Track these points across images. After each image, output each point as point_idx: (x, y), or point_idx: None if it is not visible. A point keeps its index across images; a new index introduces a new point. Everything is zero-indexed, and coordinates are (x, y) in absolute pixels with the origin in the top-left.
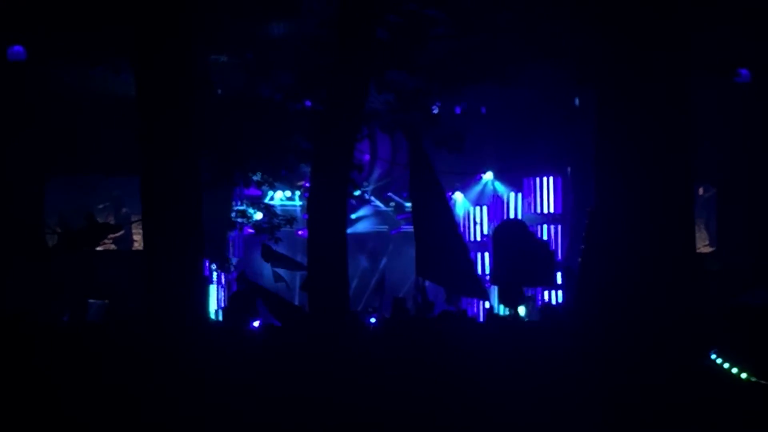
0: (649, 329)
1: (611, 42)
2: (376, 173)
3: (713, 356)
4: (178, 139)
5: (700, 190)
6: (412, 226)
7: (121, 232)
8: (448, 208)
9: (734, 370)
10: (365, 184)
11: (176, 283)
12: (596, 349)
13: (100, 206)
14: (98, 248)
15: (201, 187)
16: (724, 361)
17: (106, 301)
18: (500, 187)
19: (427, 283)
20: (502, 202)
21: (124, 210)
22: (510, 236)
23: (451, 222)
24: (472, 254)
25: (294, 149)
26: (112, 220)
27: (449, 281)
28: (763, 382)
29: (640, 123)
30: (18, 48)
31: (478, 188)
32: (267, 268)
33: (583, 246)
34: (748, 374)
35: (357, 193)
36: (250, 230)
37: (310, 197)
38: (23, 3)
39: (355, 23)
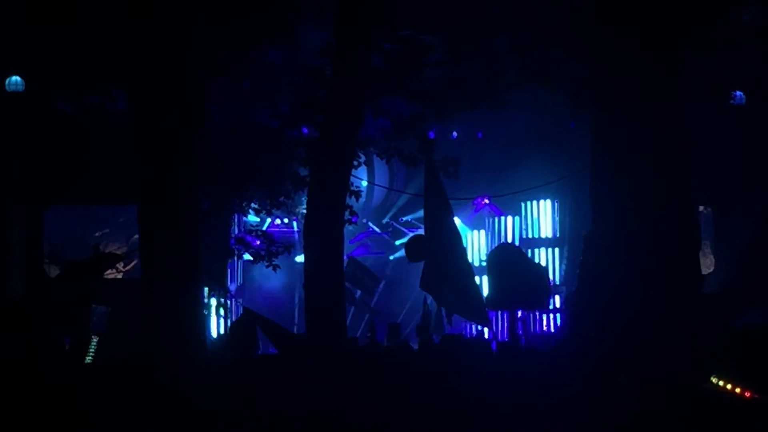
0: (647, 351)
1: (605, 66)
2: (375, 199)
3: (714, 377)
4: (175, 167)
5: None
6: None
7: (134, 262)
8: (458, 235)
9: (736, 390)
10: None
11: (175, 311)
12: (594, 371)
13: (97, 233)
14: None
15: (199, 216)
16: (725, 381)
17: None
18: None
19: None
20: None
21: (135, 236)
22: (506, 260)
23: (461, 248)
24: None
25: (291, 176)
26: (115, 249)
27: (452, 303)
28: (763, 399)
29: (635, 146)
30: (16, 78)
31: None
32: (265, 295)
33: (579, 269)
34: (749, 392)
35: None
36: (249, 257)
37: (306, 223)
38: (23, 35)
39: (350, 50)
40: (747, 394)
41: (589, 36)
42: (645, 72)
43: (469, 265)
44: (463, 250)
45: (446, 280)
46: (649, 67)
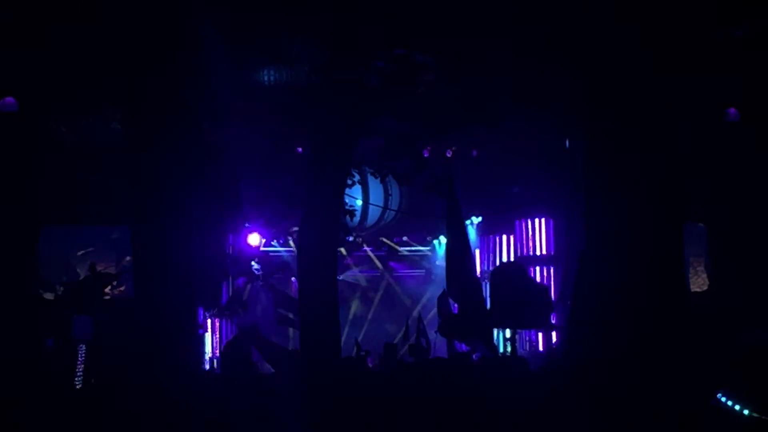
0: (641, 369)
1: (598, 86)
2: (370, 218)
3: (715, 396)
4: (169, 186)
5: None
6: (404, 271)
7: (122, 288)
8: (472, 256)
9: (736, 408)
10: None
11: (169, 331)
12: (589, 389)
13: (80, 253)
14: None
15: (193, 235)
16: (726, 400)
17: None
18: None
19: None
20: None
21: (127, 258)
22: (508, 278)
23: (474, 274)
24: None
25: (285, 195)
26: (102, 269)
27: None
28: (763, 417)
29: (628, 165)
30: (10, 99)
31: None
32: (261, 313)
33: (573, 287)
34: (749, 411)
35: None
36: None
37: (300, 242)
38: (17, 55)
39: (343, 69)
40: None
41: (581, 55)
42: (638, 91)
43: (481, 288)
44: (476, 275)
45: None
46: (641, 86)
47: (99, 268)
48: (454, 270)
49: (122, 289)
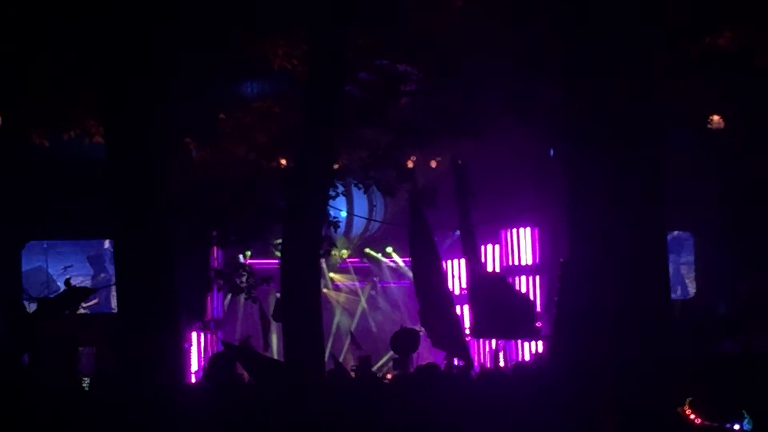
0: (623, 379)
1: (581, 94)
2: (354, 230)
3: (686, 406)
4: (150, 201)
5: None
6: (388, 282)
7: (95, 301)
8: (441, 269)
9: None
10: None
11: (152, 346)
12: (570, 399)
13: (61, 268)
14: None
15: (174, 250)
16: (695, 411)
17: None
18: None
19: None
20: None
21: (102, 275)
22: (488, 288)
23: (443, 282)
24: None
25: (268, 208)
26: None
27: (440, 343)
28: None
29: (612, 174)
30: None
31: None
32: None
33: (557, 297)
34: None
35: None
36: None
37: (282, 254)
38: None
39: (325, 79)
40: (703, 422)
41: (563, 64)
42: (620, 99)
43: (452, 302)
44: (446, 287)
45: (433, 317)
46: (624, 94)
47: (74, 283)
48: (421, 284)
49: (95, 302)
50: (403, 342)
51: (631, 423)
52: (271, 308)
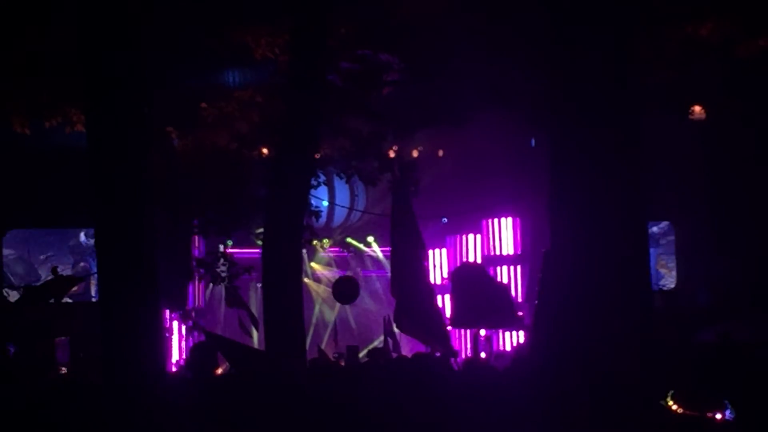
0: (604, 369)
1: (561, 84)
2: (336, 219)
3: (667, 396)
4: (132, 190)
5: None
6: (371, 272)
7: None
8: (423, 259)
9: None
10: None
11: (132, 335)
12: (551, 390)
13: (42, 257)
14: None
15: (155, 238)
16: (676, 400)
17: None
18: None
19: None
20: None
21: (81, 264)
22: (468, 278)
23: (424, 273)
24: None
25: (249, 197)
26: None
27: (419, 331)
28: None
29: (592, 164)
30: None
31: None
32: (227, 316)
33: (538, 287)
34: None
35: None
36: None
37: (264, 243)
38: None
39: (307, 69)
40: (684, 412)
41: (544, 53)
42: (601, 88)
43: (433, 294)
44: (428, 278)
45: (414, 311)
46: (605, 84)
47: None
48: (401, 271)
49: (75, 289)
50: (343, 288)
51: (613, 413)
52: (251, 299)
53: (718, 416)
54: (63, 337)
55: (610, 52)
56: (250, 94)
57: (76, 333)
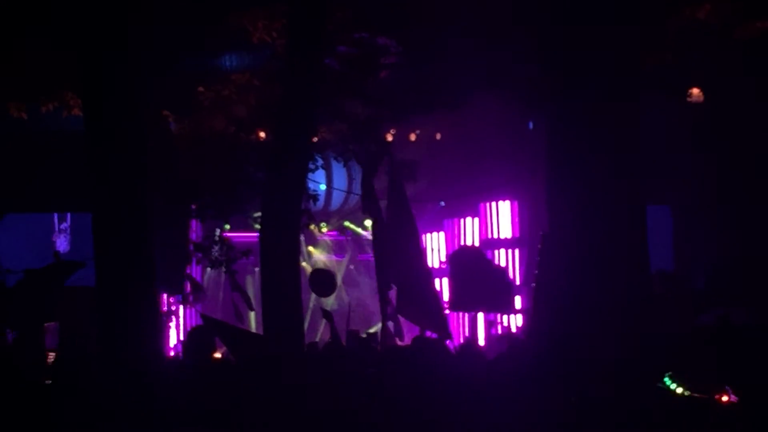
0: (604, 352)
1: (558, 67)
2: (333, 203)
3: (666, 379)
4: (129, 173)
5: None
6: (369, 256)
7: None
8: (419, 242)
9: (679, 390)
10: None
11: (129, 319)
12: (550, 372)
13: None
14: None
15: (152, 222)
16: (676, 382)
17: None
18: None
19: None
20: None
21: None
22: (466, 262)
23: (421, 257)
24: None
25: (247, 181)
26: None
27: (418, 317)
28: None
29: (590, 146)
30: None
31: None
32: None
33: (536, 270)
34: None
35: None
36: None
37: (262, 227)
38: None
39: (304, 53)
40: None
41: (541, 35)
42: (597, 71)
43: (431, 278)
44: (425, 262)
45: (412, 296)
46: (601, 66)
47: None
48: (397, 252)
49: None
50: (320, 279)
51: (613, 396)
52: (248, 285)
53: (725, 398)
54: (52, 323)
55: (607, 36)
56: (248, 77)
57: (69, 318)
